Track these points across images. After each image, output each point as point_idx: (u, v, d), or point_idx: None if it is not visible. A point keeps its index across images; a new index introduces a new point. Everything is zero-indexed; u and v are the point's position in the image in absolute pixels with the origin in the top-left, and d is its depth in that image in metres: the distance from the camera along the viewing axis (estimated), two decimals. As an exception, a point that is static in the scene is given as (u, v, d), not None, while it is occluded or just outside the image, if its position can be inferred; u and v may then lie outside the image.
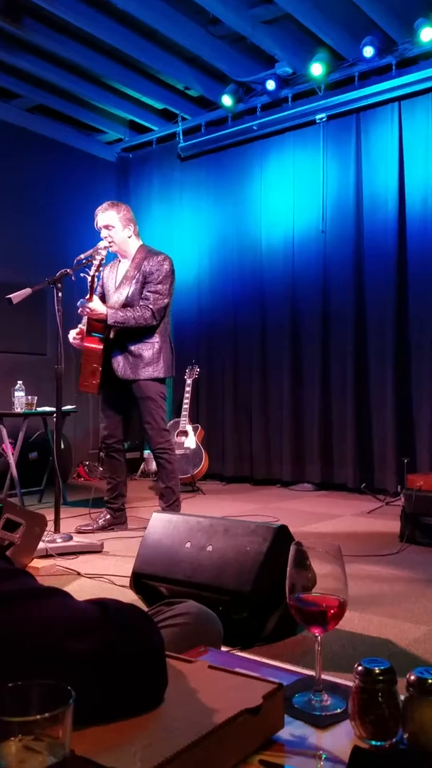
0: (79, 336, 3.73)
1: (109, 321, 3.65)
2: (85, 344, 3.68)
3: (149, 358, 3.75)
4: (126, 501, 4.01)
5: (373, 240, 5.40)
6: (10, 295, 3.36)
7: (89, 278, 3.69)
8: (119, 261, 3.88)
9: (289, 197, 5.86)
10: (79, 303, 3.65)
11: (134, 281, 3.78)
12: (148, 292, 3.73)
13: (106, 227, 3.78)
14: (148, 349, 3.75)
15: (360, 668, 0.82)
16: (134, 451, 6.25)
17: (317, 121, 5.66)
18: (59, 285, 3.41)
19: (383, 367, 5.30)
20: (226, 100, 5.89)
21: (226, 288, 6.25)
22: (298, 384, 5.78)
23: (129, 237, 3.84)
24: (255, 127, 5.99)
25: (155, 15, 4.86)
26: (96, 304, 3.65)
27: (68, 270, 3.49)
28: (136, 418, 3.96)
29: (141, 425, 3.83)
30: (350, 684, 0.85)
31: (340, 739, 0.83)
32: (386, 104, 5.33)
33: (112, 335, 3.75)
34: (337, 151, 5.61)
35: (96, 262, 3.69)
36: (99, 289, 3.85)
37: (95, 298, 3.71)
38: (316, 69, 5.36)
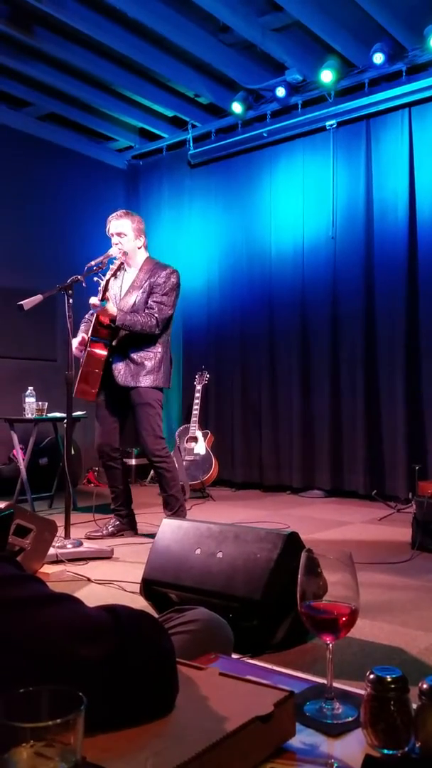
0: (82, 345, 3.74)
1: (118, 322, 3.66)
2: (90, 349, 3.69)
3: (151, 366, 3.76)
4: (134, 506, 4.00)
5: (384, 246, 5.39)
6: (22, 302, 3.38)
7: (103, 281, 3.72)
8: (124, 270, 3.90)
9: (299, 204, 5.86)
10: (99, 303, 3.65)
11: (141, 290, 3.80)
12: (153, 302, 3.75)
13: (119, 234, 3.80)
14: (151, 358, 3.77)
15: (372, 676, 0.82)
16: (144, 458, 6.24)
17: (327, 128, 5.67)
18: (70, 291, 3.43)
19: (394, 373, 5.28)
20: (236, 108, 5.91)
21: (235, 294, 6.26)
22: (308, 390, 5.77)
23: (139, 248, 3.88)
24: (265, 134, 6.00)
25: (165, 23, 4.89)
26: (109, 304, 3.67)
27: (79, 276, 3.51)
28: (130, 426, 3.94)
29: (136, 432, 3.81)
30: (362, 692, 0.85)
31: (352, 747, 0.82)
32: (396, 110, 5.33)
33: (114, 343, 3.77)
34: (347, 157, 5.61)
35: (114, 266, 3.72)
36: (100, 294, 3.86)
37: (109, 297, 3.74)
38: (326, 76, 5.37)
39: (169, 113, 6.47)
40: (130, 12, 4.74)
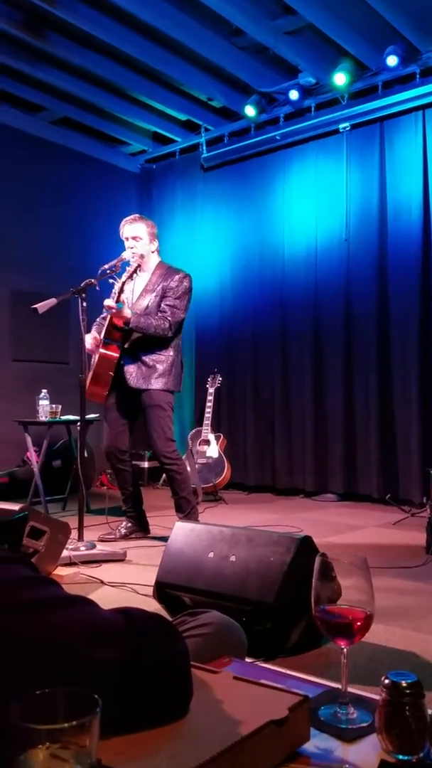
0: (94, 342, 3.76)
1: (132, 324, 3.68)
2: (102, 351, 3.71)
3: (162, 369, 3.77)
4: (145, 508, 4.01)
5: (397, 248, 5.37)
6: (36, 305, 3.40)
7: (118, 283, 3.73)
8: (137, 274, 3.91)
9: (312, 206, 5.85)
10: (115, 305, 3.66)
11: (154, 294, 3.82)
12: (166, 305, 3.77)
13: (134, 238, 3.82)
14: (163, 361, 3.78)
15: (387, 681, 0.81)
16: (156, 460, 6.24)
17: (340, 131, 5.66)
18: (84, 295, 3.45)
19: (407, 376, 5.25)
20: (249, 111, 5.92)
21: (247, 297, 6.26)
22: (321, 393, 5.75)
23: (152, 251, 3.90)
24: (278, 137, 6.00)
25: (178, 27, 4.90)
26: (124, 307, 3.69)
27: (93, 280, 3.53)
28: (142, 429, 3.95)
29: (147, 434, 3.82)
30: (376, 697, 0.84)
31: (367, 752, 0.82)
32: (410, 113, 5.31)
33: (126, 345, 3.78)
34: (360, 160, 5.60)
35: (130, 269, 3.74)
36: (115, 296, 3.87)
37: (124, 300, 3.76)
38: (340, 78, 5.36)
39: (182, 117, 6.49)
40: (142, 16, 4.76)
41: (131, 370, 3.77)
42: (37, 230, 6.12)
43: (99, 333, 3.83)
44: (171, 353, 3.82)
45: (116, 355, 3.74)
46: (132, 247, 3.81)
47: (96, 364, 3.72)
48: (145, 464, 6.25)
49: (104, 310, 3.78)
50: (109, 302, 3.69)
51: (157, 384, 3.75)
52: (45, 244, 6.15)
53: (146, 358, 3.77)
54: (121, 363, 3.77)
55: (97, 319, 3.96)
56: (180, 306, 3.80)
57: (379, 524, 4.46)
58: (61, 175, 6.35)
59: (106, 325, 3.75)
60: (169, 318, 3.74)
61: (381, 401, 5.38)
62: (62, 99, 6.01)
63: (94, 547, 3.37)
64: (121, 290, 3.74)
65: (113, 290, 3.85)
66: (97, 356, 3.72)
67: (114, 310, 3.66)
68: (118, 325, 3.72)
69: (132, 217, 3.91)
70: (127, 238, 3.85)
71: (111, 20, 4.88)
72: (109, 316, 3.73)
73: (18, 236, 5.98)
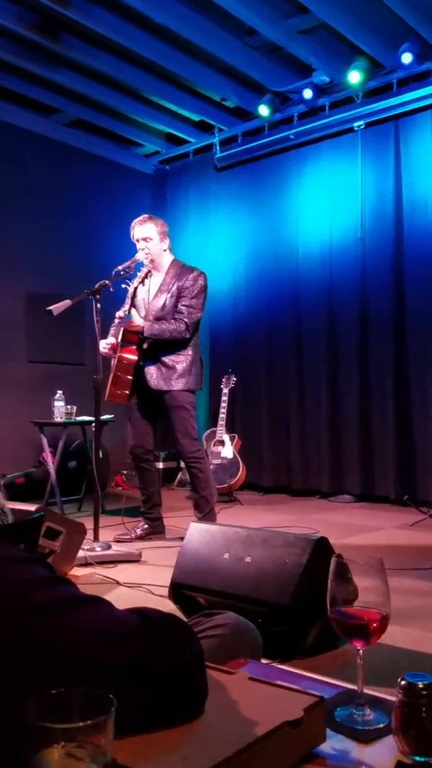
0: (109, 346, 3.77)
1: (146, 333, 3.70)
2: (120, 354, 3.72)
3: (182, 369, 3.78)
4: (162, 510, 4.02)
5: (414, 246, 5.33)
6: (51, 307, 3.42)
7: (131, 289, 3.74)
8: (151, 274, 3.91)
9: (327, 205, 5.83)
10: (124, 316, 3.69)
11: (169, 294, 3.82)
12: (183, 306, 3.78)
13: (145, 239, 3.83)
14: (182, 361, 3.79)
15: (403, 682, 0.81)
16: (171, 461, 6.27)
17: (355, 129, 5.64)
18: (98, 296, 3.46)
19: (425, 376, 5.21)
20: (263, 110, 5.91)
21: (261, 297, 6.25)
22: (336, 392, 5.73)
23: (164, 250, 3.90)
24: (292, 136, 5.99)
25: (191, 28, 4.90)
26: (134, 317, 3.72)
27: (107, 281, 3.54)
28: (161, 428, 3.97)
29: (172, 435, 3.84)
30: (392, 698, 0.84)
31: (383, 754, 0.81)
32: (425, 110, 5.28)
33: (145, 346, 3.79)
34: (375, 158, 5.57)
35: (141, 274, 3.75)
36: (127, 305, 3.88)
37: (133, 310, 3.78)
38: (354, 77, 5.34)
39: (196, 117, 6.49)
40: (155, 17, 4.77)
41: (151, 372, 3.79)
42: (52, 232, 6.15)
43: (117, 334, 3.84)
44: (190, 352, 3.84)
45: (134, 357, 3.75)
46: (143, 248, 3.82)
47: (114, 367, 3.74)
48: (160, 465, 6.26)
49: (116, 321, 3.82)
50: (120, 314, 3.73)
51: (177, 385, 3.77)
52: (59, 246, 6.18)
53: (166, 359, 3.79)
54: (141, 364, 3.79)
55: (115, 321, 3.97)
56: (196, 305, 3.81)
57: (396, 525, 4.43)
58: (75, 176, 6.38)
59: (122, 330, 3.76)
60: (186, 319, 3.75)
61: (397, 400, 5.35)
62: (76, 101, 6.04)
63: (109, 547, 3.38)
64: (134, 295, 3.76)
65: (127, 296, 3.86)
66: (115, 359, 3.75)
67: (124, 322, 3.69)
68: (135, 331, 3.74)
69: (141, 218, 3.92)
70: (137, 240, 3.85)
71: (124, 21, 4.89)
72: (122, 328, 3.75)
73: (32, 238, 6.01)
